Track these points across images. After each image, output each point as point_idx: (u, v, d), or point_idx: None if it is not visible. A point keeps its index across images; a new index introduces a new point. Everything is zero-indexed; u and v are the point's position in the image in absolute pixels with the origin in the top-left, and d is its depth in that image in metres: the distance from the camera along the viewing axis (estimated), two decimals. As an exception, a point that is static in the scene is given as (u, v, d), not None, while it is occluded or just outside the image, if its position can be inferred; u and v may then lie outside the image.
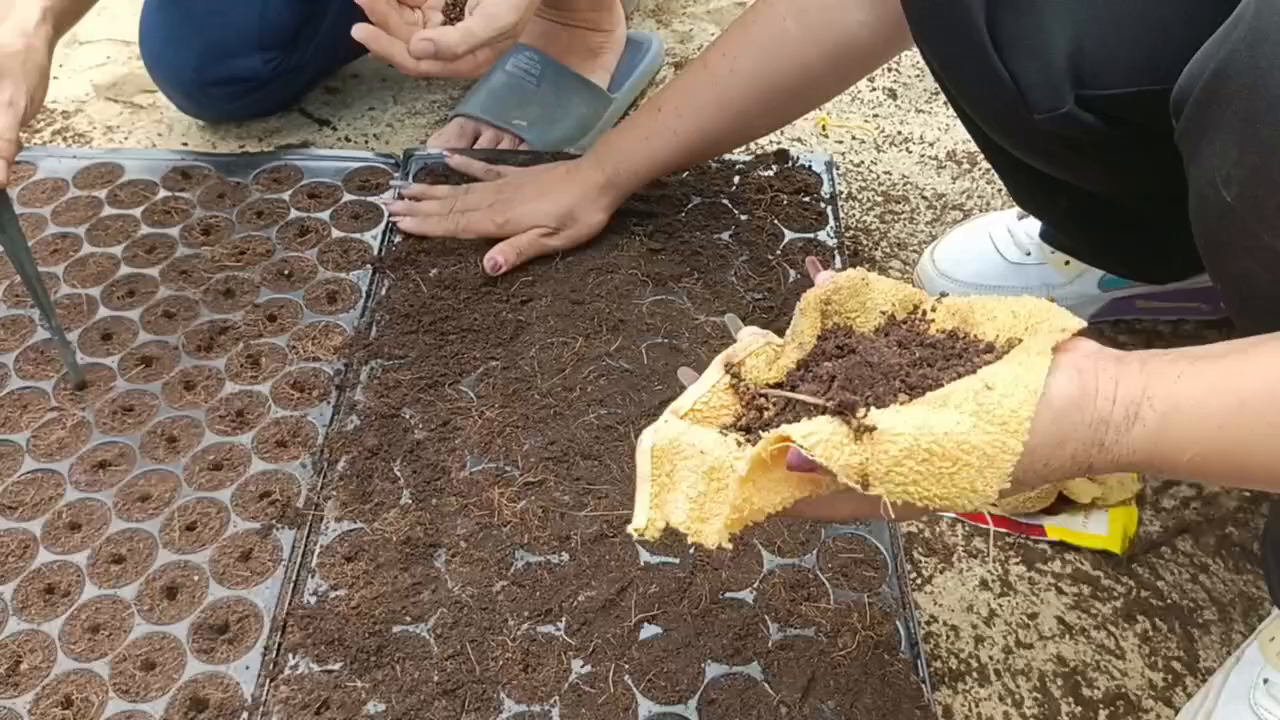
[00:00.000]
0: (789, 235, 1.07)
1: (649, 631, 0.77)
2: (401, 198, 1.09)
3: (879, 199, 1.18)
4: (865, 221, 1.15)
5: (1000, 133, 0.81)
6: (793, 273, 1.04)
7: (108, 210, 1.10)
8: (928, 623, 0.84)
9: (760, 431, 0.52)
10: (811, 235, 1.08)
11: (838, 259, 1.05)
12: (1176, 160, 0.63)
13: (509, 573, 0.80)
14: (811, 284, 0.59)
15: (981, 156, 1.23)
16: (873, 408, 0.50)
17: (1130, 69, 0.69)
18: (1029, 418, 0.48)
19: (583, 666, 0.75)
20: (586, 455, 0.88)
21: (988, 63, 0.72)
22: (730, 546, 0.51)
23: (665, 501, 0.53)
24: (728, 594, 0.79)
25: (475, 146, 1.18)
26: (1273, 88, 0.53)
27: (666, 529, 0.53)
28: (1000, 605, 0.85)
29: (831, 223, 1.09)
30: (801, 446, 0.48)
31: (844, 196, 1.17)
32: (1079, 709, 0.79)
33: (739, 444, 0.52)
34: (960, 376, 0.52)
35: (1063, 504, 0.89)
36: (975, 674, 0.81)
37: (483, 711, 0.72)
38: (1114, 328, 1.04)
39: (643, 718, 0.72)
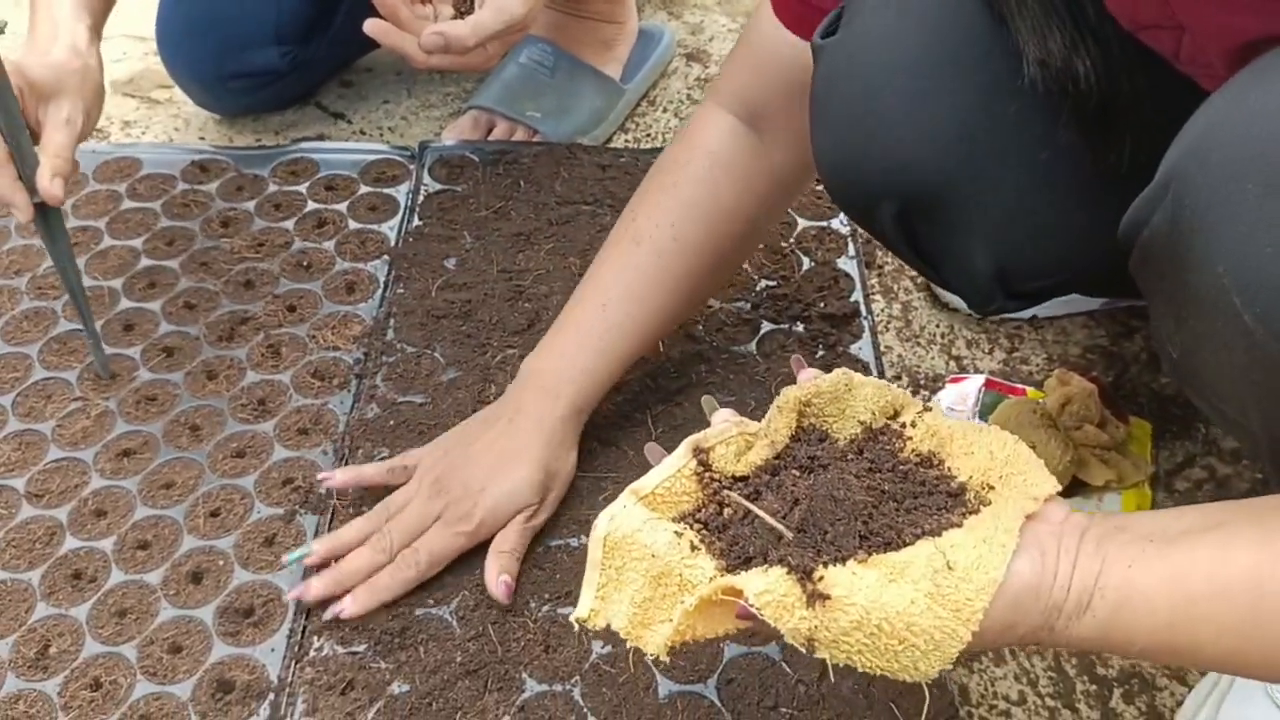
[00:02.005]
0: (802, 223, 1.08)
1: (668, 613, 0.78)
2: (305, 568, 0.80)
3: (891, 187, 1.18)
4: (877, 210, 1.16)
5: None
6: (806, 260, 1.04)
7: (127, 204, 1.11)
8: (943, 604, 0.84)
9: (714, 531, 0.52)
10: (825, 224, 1.08)
11: (850, 246, 1.06)
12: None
13: (530, 556, 0.81)
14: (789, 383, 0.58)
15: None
16: (829, 567, 0.49)
17: (1053, 268, 0.71)
18: (983, 609, 0.48)
19: (603, 647, 0.76)
20: (605, 442, 0.89)
21: (916, 264, 0.74)
22: (668, 660, 0.51)
23: (609, 598, 0.52)
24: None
25: (490, 138, 1.19)
26: (1191, 284, 0.51)
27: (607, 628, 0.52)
28: (1015, 587, 0.85)
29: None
30: (752, 605, 0.47)
31: (856, 185, 1.18)
32: (1094, 687, 0.80)
33: (692, 547, 0.51)
34: (923, 533, 0.51)
35: (1077, 486, 0.89)
36: (990, 654, 0.81)
37: (505, 691, 0.73)
38: (1125, 311, 1.05)
39: (662, 696, 0.73)
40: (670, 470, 0.54)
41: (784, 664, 0.75)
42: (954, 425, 0.56)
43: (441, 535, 0.78)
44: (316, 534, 0.82)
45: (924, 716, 0.72)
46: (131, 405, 0.92)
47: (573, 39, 1.23)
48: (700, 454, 0.55)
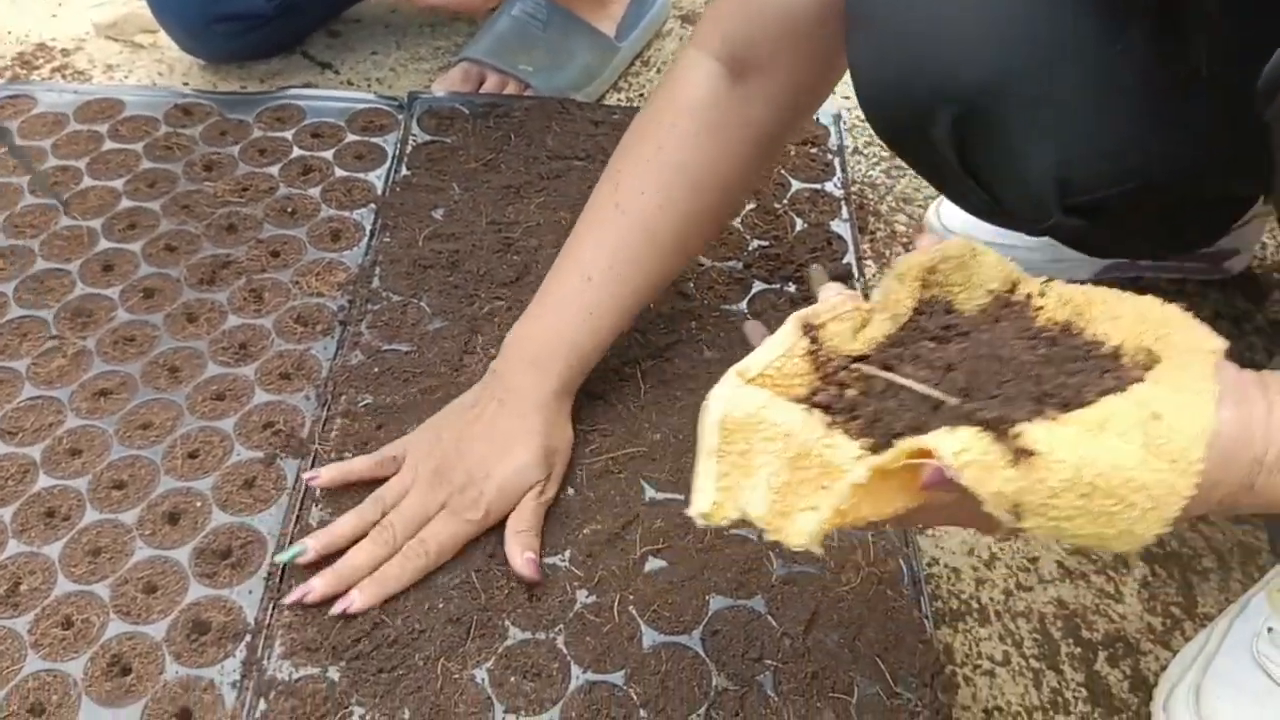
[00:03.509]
0: (796, 185, 1.07)
1: (654, 565, 0.77)
2: (304, 566, 0.75)
3: (886, 154, 1.18)
4: (871, 176, 1.15)
5: (988, 219, 0.78)
6: (799, 222, 1.03)
7: (109, 144, 1.09)
8: (929, 564, 0.84)
9: (840, 414, 0.47)
10: (819, 186, 1.07)
11: (844, 209, 1.05)
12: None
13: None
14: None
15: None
16: (1024, 424, 0.43)
17: (1114, 176, 0.67)
18: (1200, 459, 0.43)
19: (588, 597, 0.75)
20: (592, 395, 0.88)
21: (961, 182, 0.70)
22: (820, 550, 0.45)
23: (736, 486, 0.46)
24: (732, 530, 0.79)
25: (480, 91, 1.17)
26: None
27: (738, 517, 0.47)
28: (1001, 550, 0.85)
29: (839, 174, 1.09)
30: (950, 465, 0.41)
31: (851, 150, 1.17)
32: (1078, 650, 0.79)
33: (828, 426, 0.45)
34: (1105, 391, 0.45)
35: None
36: (976, 614, 0.81)
37: (488, 639, 0.72)
38: (1122, 282, 1.04)
39: (647, 646, 0.72)
40: (779, 349, 0.49)
41: (769, 617, 0.74)
42: (1090, 291, 0.51)
43: (449, 524, 0.75)
44: (297, 479, 0.81)
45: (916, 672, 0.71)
46: (109, 345, 0.90)
47: (568, -6, 1.21)
48: (811, 331, 0.49)
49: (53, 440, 0.84)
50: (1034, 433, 0.42)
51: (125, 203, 1.03)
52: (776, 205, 1.04)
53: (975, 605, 0.82)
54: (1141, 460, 0.42)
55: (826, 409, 0.47)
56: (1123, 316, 0.49)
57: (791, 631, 0.73)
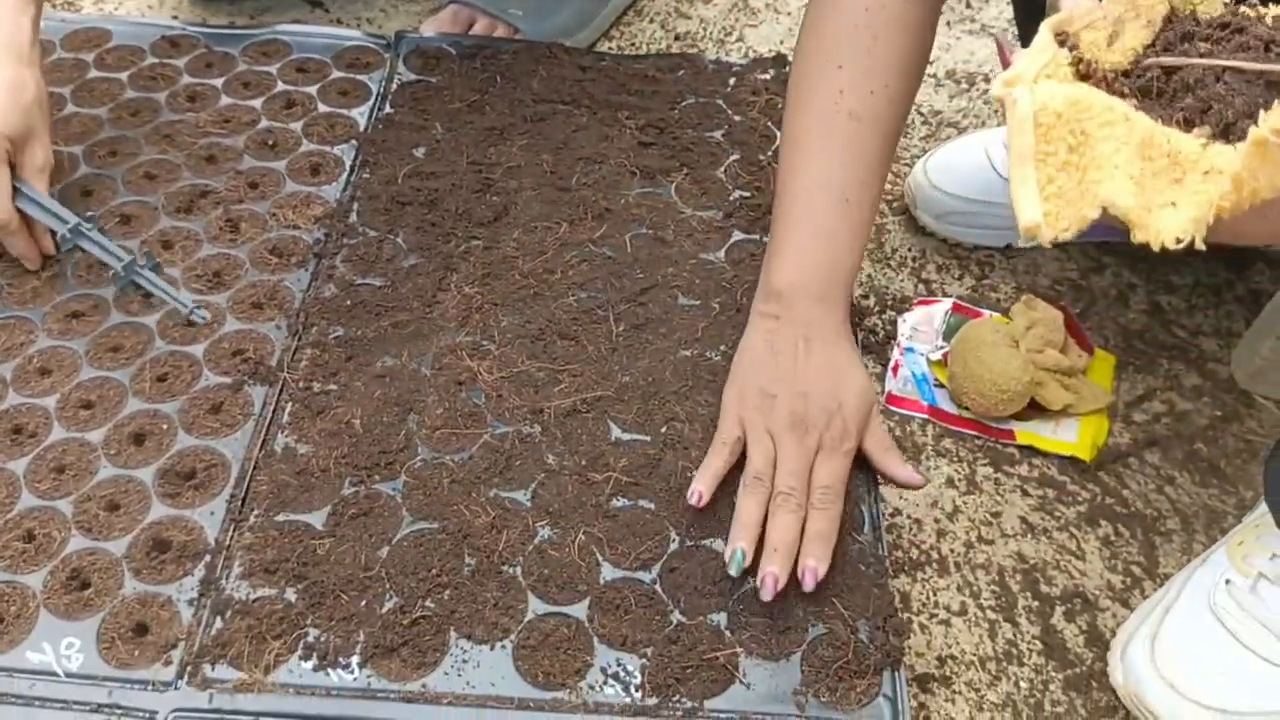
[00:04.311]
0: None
1: (617, 503, 0.77)
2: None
3: (874, 112, 1.17)
4: (858, 133, 1.14)
5: None
6: (782, 173, 1.03)
7: (94, 73, 1.08)
8: (892, 515, 0.84)
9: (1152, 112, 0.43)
10: (803, 139, 1.07)
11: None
12: None
13: (480, 440, 0.80)
14: None
15: (979, 78, 1.23)
16: None
17: None
18: None
19: (548, 530, 0.75)
20: (564, 335, 0.88)
21: None
22: (1205, 246, 0.40)
23: (1077, 186, 0.42)
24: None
25: (469, 34, 1.16)
26: None
27: (1100, 214, 0.42)
28: (965, 503, 0.85)
29: (824, 129, 1.08)
30: None
31: (839, 107, 1.16)
32: (1035, 603, 0.80)
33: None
34: None
35: (1034, 410, 0.89)
36: (935, 565, 0.81)
37: (447, 571, 0.72)
38: (1097, 247, 1.04)
39: (604, 581, 0.73)
40: (1045, 56, 0.45)
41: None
42: None
43: (834, 461, 0.74)
44: (263, 405, 0.81)
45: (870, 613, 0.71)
46: (84, 269, 0.90)
47: (561, -61, 1.20)
48: (1067, 40, 0.46)
49: (23, 359, 0.84)
50: None
51: (107, 130, 1.02)
52: (760, 157, 1.04)
53: (935, 556, 0.82)
54: None
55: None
56: None
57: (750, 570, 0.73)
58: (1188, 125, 0.42)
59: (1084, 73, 0.45)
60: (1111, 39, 0.46)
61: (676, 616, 0.71)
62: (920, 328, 0.96)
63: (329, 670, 0.68)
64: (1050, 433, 0.89)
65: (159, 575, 0.72)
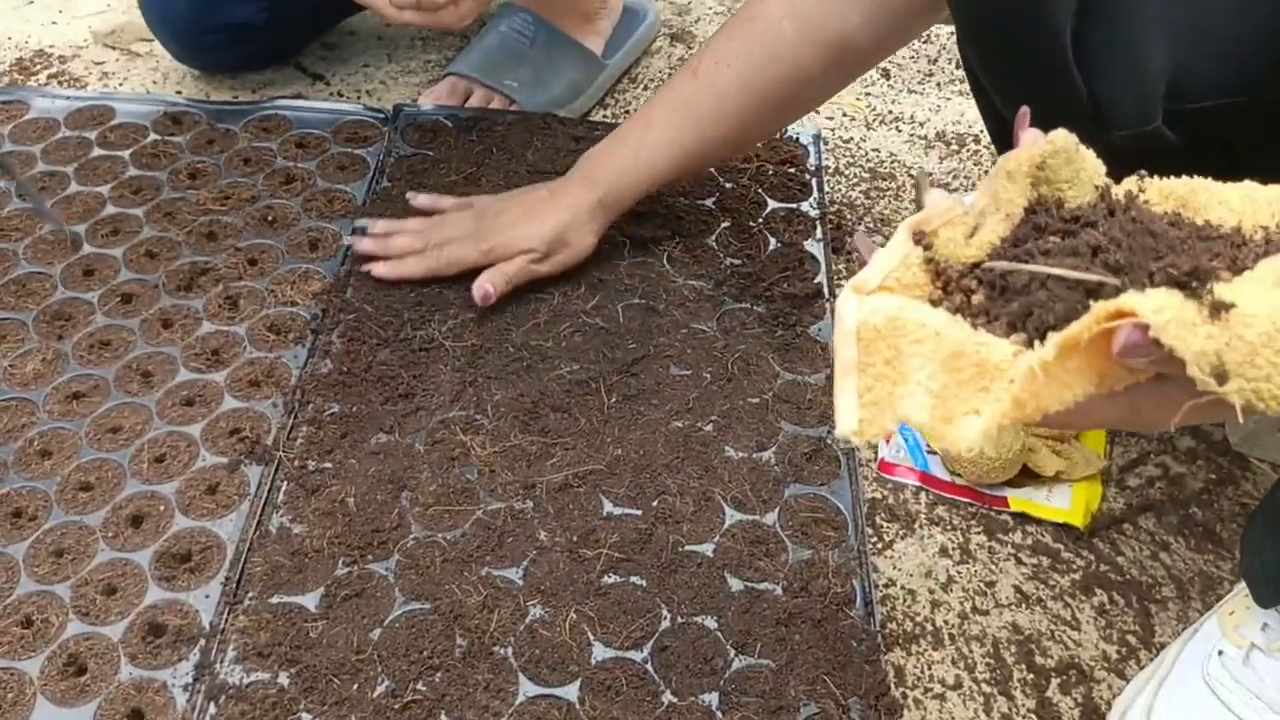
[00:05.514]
0: (772, 204, 1.08)
1: (609, 580, 0.77)
2: (364, 234, 1.00)
3: (866, 175, 1.18)
4: (850, 196, 1.16)
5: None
6: (773, 240, 1.04)
7: (97, 151, 1.11)
8: (886, 586, 0.84)
9: (976, 318, 0.45)
10: (795, 205, 1.08)
11: (819, 229, 1.06)
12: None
13: (472, 517, 0.80)
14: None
15: (969, 139, 1.24)
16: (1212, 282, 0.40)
17: (1223, 82, 0.65)
18: None
19: (540, 609, 0.75)
20: (556, 408, 0.88)
21: (1063, 79, 0.68)
22: (995, 455, 0.44)
23: (886, 398, 0.44)
24: (688, 547, 0.79)
25: (466, 105, 1.18)
26: None
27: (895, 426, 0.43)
28: (959, 572, 0.85)
29: (815, 194, 1.10)
30: (1151, 322, 0.38)
31: (831, 171, 1.18)
32: (1031, 676, 0.80)
33: (973, 326, 0.43)
34: (1261, 257, 0.43)
35: (1026, 476, 0.89)
36: (929, 637, 0.81)
37: (438, 652, 0.73)
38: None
39: (595, 661, 0.73)
40: (896, 258, 0.47)
41: (719, 634, 0.74)
42: (1190, 181, 0.49)
43: (463, 245, 0.95)
44: (259, 484, 0.82)
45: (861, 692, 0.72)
46: (85, 349, 0.92)
47: (555, 10, 1.22)
48: (924, 239, 0.47)
49: (24, 441, 0.85)
50: (1223, 289, 0.40)
51: (109, 209, 1.05)
52: (751, 224, 1.05)
53: (930, 628, 0.82)
54: None
55: (956, 315, 0.45)
56: (1230, 200, 0.47)
57: (742, 647, 0.73)
58: (1010, 329, 0.44)
59: (936, 271, 0.47)
60: (973, 232, 0.48)
61: (668, 697, 0.71)
62: (913, 393, 0.96)
63: (321, 756, 0.68)
64: (1044, 499, 0.89)
65: (154, 660, 0.72)
